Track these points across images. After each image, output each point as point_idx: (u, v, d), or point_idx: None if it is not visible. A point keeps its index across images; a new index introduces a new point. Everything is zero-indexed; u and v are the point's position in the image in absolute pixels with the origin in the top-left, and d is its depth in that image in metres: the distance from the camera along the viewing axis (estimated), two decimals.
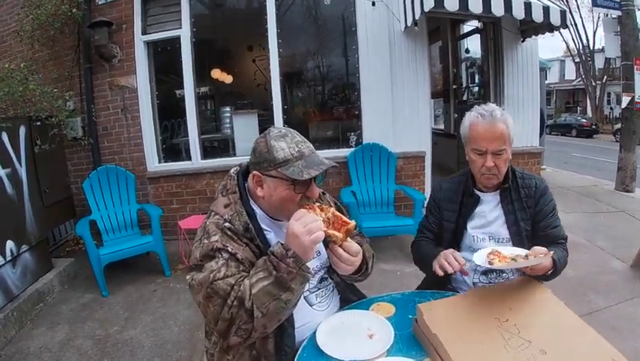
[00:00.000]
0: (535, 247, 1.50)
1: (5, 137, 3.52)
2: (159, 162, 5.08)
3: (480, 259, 1.50)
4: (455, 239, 1.83)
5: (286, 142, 1.33)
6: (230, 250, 1.28)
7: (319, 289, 1.53)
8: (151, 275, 4.10)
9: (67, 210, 4.64)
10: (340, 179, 4.80)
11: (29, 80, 4.10)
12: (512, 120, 1.70)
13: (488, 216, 1.79)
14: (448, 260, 1.57)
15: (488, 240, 1.78)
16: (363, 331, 1.41)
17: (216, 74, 6.19)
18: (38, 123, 4.07)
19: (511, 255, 1.47)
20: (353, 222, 1.34)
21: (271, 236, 1.41)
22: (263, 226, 1.40)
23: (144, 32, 4.81)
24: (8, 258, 3.41)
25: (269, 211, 1.42)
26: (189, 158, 5.02)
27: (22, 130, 3.77)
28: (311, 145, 1.39)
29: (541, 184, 1.81)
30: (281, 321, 1.30)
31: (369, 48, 4.68)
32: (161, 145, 5.14)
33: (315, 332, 1.41)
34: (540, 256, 1.45)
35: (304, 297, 1.47)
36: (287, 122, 4.87)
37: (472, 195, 1.81)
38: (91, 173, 4.33)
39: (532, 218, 1.77)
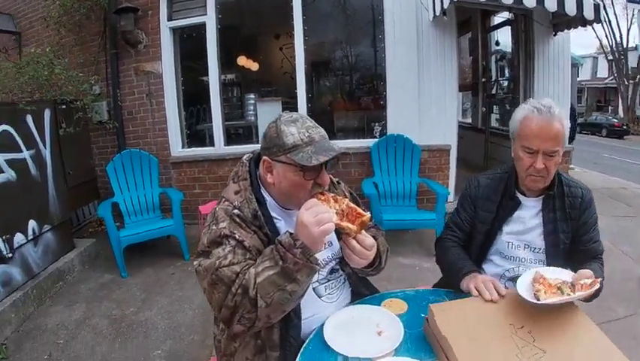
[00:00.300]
0: (581, 271, 1.34)
1: (30, 120, 3.59)
2: (183, 147, 5.13)
3: (524, 288, 1.32)
4: (487, 242, 1.69)
5: (296, 127, 1.29)
6: (237, 237, 1.25)
7: (329, 280, 1.49)
8: (170, 258, 4.14)
9: (91, 192, 4.74)
10: (363, 170, 4.73)
11: (55, 65, 4.16)
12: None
13: (527, 223, 1.64)
14: (487, 288, 1.40)
15: (523, 248, 1.65)
16: (372, 327, 1.36)
17: (242, 61, 6.19)
18: (63, 107, 4.13)
19: (555, 281, 1.32)
20: (368, 215, 1.29)
21: (281, 225, 1.37)
22: (273, 214, 1.37)
23: (170, 18, 4.82)
24: (30, 237, 3.48)
25: (279, 199, 1.38)
26: (212, 144, 5.04)
27: (47, 113, 3.83)
28: (323, 131, 1.34)
29: (587, 195, 1.64)
30: (285, 312, 1.26)
31: (396, 37, 4.57)
32: (185, 130, 5.17)
33: (322, 325, 1.37)
34: (586, 285, 1.29)
35: (313, 288, 1.43)
36: (311, 111, 4.80)
37: (512, 197, 1.65)
38: (115, 156, 4.39)
39: (573, 231, 1.61)
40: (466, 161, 6.44)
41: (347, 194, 1.62)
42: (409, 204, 4.42)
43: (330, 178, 1.60)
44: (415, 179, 4.45)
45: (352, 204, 1.30)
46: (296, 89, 4.75)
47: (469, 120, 7.88)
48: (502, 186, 1.69)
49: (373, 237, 1.42)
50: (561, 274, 1.37)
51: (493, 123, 6.76)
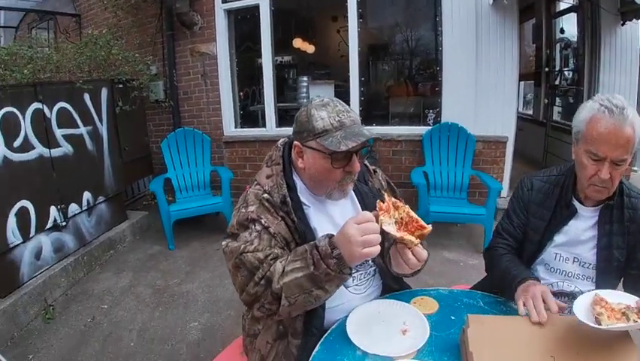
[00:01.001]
0: None
1: (87, 98, 3.78)
2: (235, 127, 5.20)
3: (582, 310, 1.12)
4: (536, 252, 1.52)
5: (327, 111, 1.25)
6: (263, 222, 1.24)
7: (358, 271, 1.43)
8: (217, 234, 4.23)
9: (145, 167, 4.92)
10: (414, 158, 4.58)
11: (112, 46, 4.32)
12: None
13: (581, 235, 1.45)
14: (536, 307, 1.21)
15: (572, 261, 1.48)
16: (397, 324, 1.29)
17: (298, 43, 6.18)
18: (120, 86, 4.30)
19: (618, 306, 1.12)
20: (429, 228, 1.18)
21: (309, 212, 1.34)
22: (302, 199, 1.34)
23: (224, 1, 4.85)
24: (84, 207, 3.68)
25: (309, 184, 1.35)
26: (264, 125, 5.07)
27: (104, 92, 4.01)
28: (354, 115, 1.29)
29: None
30: (306, 309, 1.23)
31: (454, 21, 4.33)
32: (238, 111, 5.24)
33: (347, 316, 1.32)
34: None
35: None
36: (363, 95, 4.71)
37: (568, 205, 1.46)
38: (169, 134, 4.51)
39: (629, 248, 1.41)
40: (524, 155, 6.10)
41: (384, 183, 1.57)
42: (459, 197, 4.23)
43: (367, 166, 1.55)
44: (468, 171, 4.24)
45: (413, 214, 1.20)
46: (348, 72, 4.65)
47: (530, 112, 7.44)
48: (557, 191, 1.50)
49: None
50: (622, 298, 1.16)
51: (555, 116, 6.36)
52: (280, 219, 1.27)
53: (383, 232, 1.13)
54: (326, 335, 1.28)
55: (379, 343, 1.20)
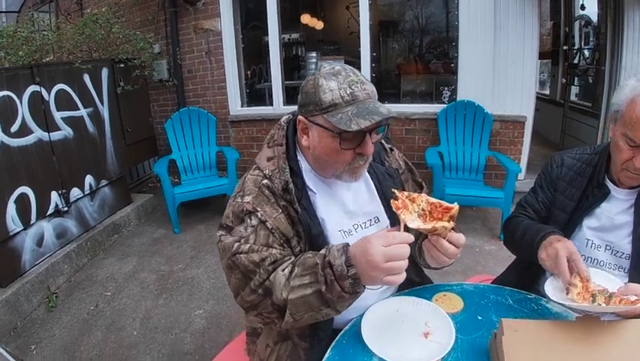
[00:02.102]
0: (630, 285, 1.05)
1: (87, 78, 3.64)
2: (242, 105, 5.03)
3: (552, 286, 1.11)
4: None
5: (337, 81, 1.05)
6: (260, 215, 1.08)
7: None
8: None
9: (150, 148, 4.78)
10: (428, 137, 4.39)
11: (112, 24, 4.15)
12: None
13: (615, 219, 1.31)
14: (559, 266, 1.11)
15: (604, 249, 1.33)
16: (419, 326, 1.13)
17: (306, 19, 5.96)
18: (122, 65, 4.15)
19: (597, 287, 1.07)
20: (456, 206, 1.03)
21: (315, 199, 1.16)
22: (309, 184, 1.17)
23: None
24: (87, 191, 3.58)
25: (314, 165, 1.17)
26: (272, 103, 4.90)
27: (105, 72, 3.87)
28: (370, 87, 1.09)
29: None
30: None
31: None
32: (245, 89, 5.06)
33: (362, 316, 1.16)
34: (628, 301, 1.01)
35: None
36: (375, 72, 4.52)
37: (601, 185, 1.34)
38: (173, 114, 4.36)
39: None
40: (540, 136, 5.89)
41: (401, 163, 1.40)
42: (475, 179, 4.05)
43: (382, 144, 1.37)
44: (485, 151, 4.05)
45: (433, 199, 1.05)
46: (359, 47, 4.43)
47: (547, 92, 7.17)
48: (589, 171, 1.38)
49: None
50: (610, 283, 1.10)
51: (573, 97, 6.11)
52: (280, 210, 1.11)
53: (408, 229, 0.97)
54: (338, 337, 1.13)
55: (399, 348, 1.05)
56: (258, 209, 1.09)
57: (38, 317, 2.78)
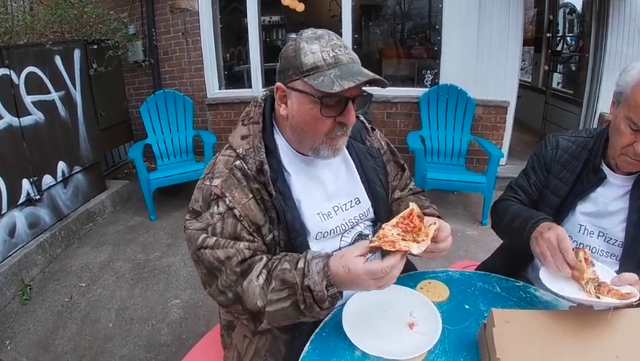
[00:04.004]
0: (624, 275, 1.01)
1: (59, 60, 3.46)
2: (220, 88, 4.90)
3: (548, 274, 1.06)
4: (554, 220, 1.27)
5: (320, 44, 0.99)
6: (227, 201, 1.00)
7: None
8: None
9: (124, 133, 4.62)
10: (409, 121, 4.35)
11: (84, 3, 3.95)
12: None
13: (609, 206, 1.27)
14: (554, 255, 1.07)
15: (597, 236, 1.29)
16: (403, 316, 1.08)
17: (287, 1, 5.79)
18: (95, 46, 3.97)
19: (587, 278, 1.01)
20: (415, 207, 1.01)
21: (291, 181, 1.09)
22: (285, 164, 1.09)
23: None
24: (59, 178, 3.44)
25: (291, 139, 1.09)
26: (250, 86, 4.79)
27: (77, 53, 3.69)
28: (353, 54, 1.02)
29: None
30: None
31: None
32: (222, 71, 4.93)
33: (343, 306, 1.10)
34: (618, 293, 0.97)
35: None
36: (357, 53, 4.39)
37: (596, 170, 1.29)
38: (148, 97, 4.22)
39: None
40: (522, 123, 5.91)
41: (383, 143, 1.34)
42: (457, 164, 4.04)
43: (363, 123, 1.30)
44: (467, 136, 4.03)
45: (393, 221, 0.98)
46: (340, 29, 4.35)
47: (529, 79, 7.20)
48: (585, 154, 1.34)
49: (423, 209, 1.19)
50: (605, 274, 1.05)
51: (555, 84, 6.14)
52: (251, 195, 1.03)
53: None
54: (317, 330, 1.07)
55: (382, 341, 1.00)
56: (227, 194, 1.01)
57: (12, 311, 2.68)
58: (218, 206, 1.01)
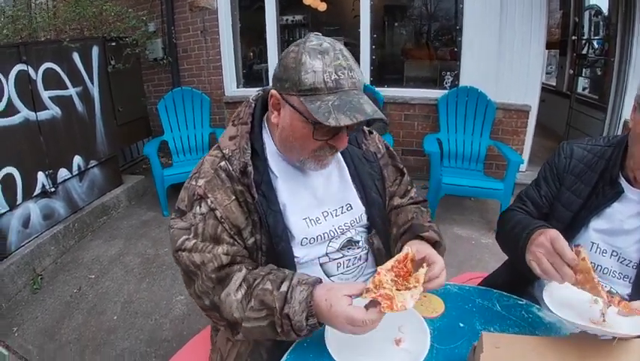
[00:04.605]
0: (635, 303, 0.92)
1: (77, 57, 3.52)
2: (238, 86, 4.90)
3: (552, 295, 0.97)
4: (565, 236, 1.09)
5: (323, 62, 0.92)
6: (209, 202, 0.99)
7: (344, 256, 1.15)
8: None
9: (142, 129, 4.68)
10: (427, 124, 4.27)
11: (102, 1, 4.01)
12: None
13: (625, 223, 1.14)
14: (556, 267, 0.95)
15: (610, 255, 1.17)
16: (390, 331, 1.00)
17: (308, 0, 5.78)
18: (113, 44, 4.02)
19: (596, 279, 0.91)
20: (409, 250, 0.96)
21: (277, 184, 1.06)
22: (271, 164, 1.06)
23: None
24: (75, 172, 3.49)
25: (279, 146, 1.06)
26: (269, 85, 4.74)
27: (95, 50, 3.75)
28: (358, 75, 0.96)
29: None
30: None
31: None
32: (241, 70, 4.94)
33: None
34: (624, 305, 0.89)
35: (320, 264, 1.12)
36: (375, 54, 4.41)
37: (613, 183, 1.16)
38: (166, 94, 4.25)
39: None
40: (545, 128, 5.73)
41: (381, 147, 1.28)
42: (475, 169, 3.92)
43: (369, 130, 1.27)
44: (486, 141, 3.91)
45: (387, 265, 0.93)
46: (358, 28, 4.30)
47: (553, 82, 7.00)
48: (602, 164, 1.20)
49: (416, 218, 1.15)
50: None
51: (580, 89, 5.94)
52: (234, 197, 1.01)
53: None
54: (298, 340, 1.01)
55: (365, 356, 0.95)
56: (209, 195, 1.00)
57: (23, 299, 2.73)
58: (200, 206, 1.00)
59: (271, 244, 1.03)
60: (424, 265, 0.94)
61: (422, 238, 1.07)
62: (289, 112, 0.97)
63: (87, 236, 3.48)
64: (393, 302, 0.85)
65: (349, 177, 1.16)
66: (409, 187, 1.32)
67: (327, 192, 1.12)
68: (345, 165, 1.17)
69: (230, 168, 1.02)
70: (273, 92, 0.99)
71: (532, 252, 1.02)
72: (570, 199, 1.23)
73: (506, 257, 1.53)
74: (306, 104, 0.92)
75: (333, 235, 1.11)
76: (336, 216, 1.12)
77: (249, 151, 1.03)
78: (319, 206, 1.11)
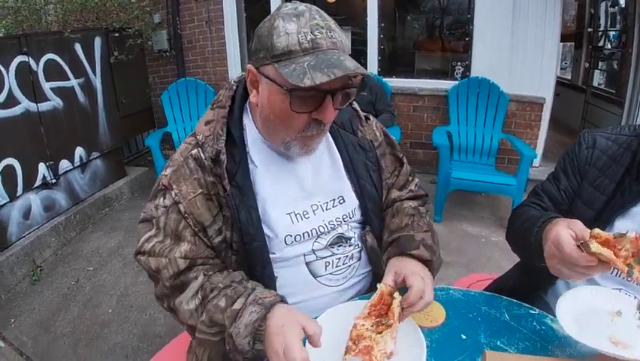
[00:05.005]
0: None
1: (79, 48, 3.48)
2: None
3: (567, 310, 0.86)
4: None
5: (298, 24, 0.82)
6: (174, 194, 0.89)
7: (333, 254, 1.03)
8: None
9: (147, 121, 4.62)
10: (437, 115, 4.14)
11: None
12: None
13: None
14: (567, 266, 0.84)
15: None
16: None
17: None
18: (116, 35, 3.97)
19: (628, 256, 0.80)
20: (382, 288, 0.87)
21: (257, 174, 0.95)
22: (253, 155, 0.95)
23: None
24: (77, 163, 3.46)
25: (262, 129, 0.95)
26: None
27: (98, 41, 3.71)
28: (341, 37, 0.85)
29: None
30: None
31: None
32: (246, 60, 4.83)
33: None
34: None
35: (305, 263, 1.00)
36: (384, 44, 4.31)
37: None
38: (170, 85, 4.19)
39: None
40: (560, 122, 5.55)
41: (378, 134, 1.15)
42: (487, 163, 3.79)
43: (356, 111, 1.12)
44: (498, 134, 3.78)
45: (369, 306, 0.86)
46: (366, 17, 4.18)
47: (568, 76, 6.79)
48: (628, 157, 1.05)
49: (409, 214, 1.07)
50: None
51: (596, 82, 5.74)
52: (200, 191, 0.91)
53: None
54: None
55: None
56: (174, 186, 0.91)
57: (21, 290, 2.71)
58: (164, 198, 0.92)
59: (242, 243, 0.93)
60: (396, 295, 0.85)
61: (412, 256, 0.96)
62: (266, 86, 0.87)
63: (88, 228, 3.45)
64: (371, 355, 0.76)
65: (342, 167, 1.05)
66: (410, 178, 1.20)
67: (317, 183, 1.02)
68: (337, 153, 1.05)
69: (203, 157, 0.91)
70: (249, 66, 0.89)
71: (550, 266, 0.89)
72: (592, 196, 1.08)
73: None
74: (280, 70, 0.81)
75: (322, 230, 1.00)
76: (326, 210, 1.02)
77: (224, 137, 0.92)
78: (308, 198, 1.00)
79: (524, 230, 1.04)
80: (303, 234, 0.98)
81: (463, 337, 0.94)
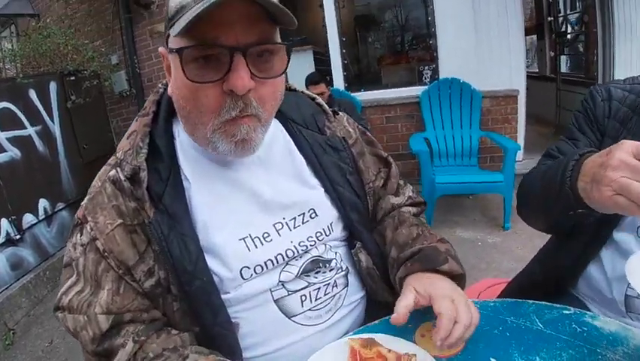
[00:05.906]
0: None
1: (33, 93, 3.35)
2: None
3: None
4: (607, 216, 0.82)
5: None
6: (89, 229, 0.70)
7: (310, 284, 0.80)
8: None
9: None
10: (411, 123, 4.04)
11: (56, 34, 3.86)
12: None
13: None
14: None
15: None
16: None
17: None
18: (72, 78, 3.82)
19: None
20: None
21: (192, 193, 0.75)
22: (185, 168, 0.76)
23: None
24: (41, 217, 3.28)
25: (185, 127, 0.75)
26: None
27: (53, 86, 3.58)
28: None
29: None
30: None
31: None
32: None
33: None
34: None
35: (274, 300, 0.78)
36: (346, 58, 4.24)
37: None
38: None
39: None
40: (535, 116, 5.53)
41: (351, 130, 0.94)
42: (469, 164, 3.71)
43: (321, 105, 0.94)
44: (476, 132, 3.70)
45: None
46: (326, 33, 4.14)
47: (535, 69, 6.87)
48: None
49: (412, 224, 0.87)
50: None
51: (564, 69, 5.78)
52: (120, 221, 0.71)
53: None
54: None
55: None
56: (89, 218, 0.71)
57: None
58: (81, 234, 0.73)
59: (180, 283, 0.71)
60: (378, 336, 0.70)
61: (438, 271, 0.77)
62: (172, 64, 0.69)
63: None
64: None
65: (310, 172, 0.85)
66: (401, 182, 1.01)
67: (278, 195, 0.80)
68: (301, 156, 0.85)
69: (122, 178, 0.72)
70: (161, 49, 0.73)
71: (610, 181, 0.66)
72: None
73: (522, 254, 1.23)
74: (170, 32, 0.65)
75: (290, 255, 0.79)
76: (294, 228, 0.80)
77: (145, 150, 0.73)
78: (268, 215, 0.79)
79: (549, 178, 0.83)
80: (266, 263, 0.76)
81: (492, 360, 0.72)
